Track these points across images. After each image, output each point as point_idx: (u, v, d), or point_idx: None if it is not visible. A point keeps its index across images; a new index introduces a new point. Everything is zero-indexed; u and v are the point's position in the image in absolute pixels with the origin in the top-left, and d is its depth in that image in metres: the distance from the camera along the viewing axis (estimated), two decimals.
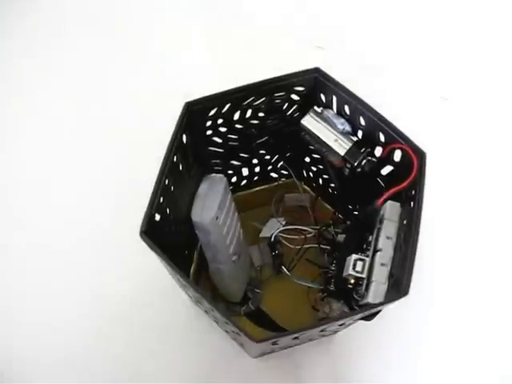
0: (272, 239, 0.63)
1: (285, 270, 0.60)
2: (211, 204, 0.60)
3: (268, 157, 0.66)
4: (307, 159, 0.67)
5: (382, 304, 0.48)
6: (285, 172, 0.70)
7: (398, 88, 0.85)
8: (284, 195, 0.72)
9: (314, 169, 0.68)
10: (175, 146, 0.52)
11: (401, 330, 0.70)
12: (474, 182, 0.81)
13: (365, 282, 0.54)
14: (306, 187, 0.72)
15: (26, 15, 0.92)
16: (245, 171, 0.68)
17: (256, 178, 0.70)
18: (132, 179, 0.73)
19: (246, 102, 0.56)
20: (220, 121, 0.57)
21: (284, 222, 0.67)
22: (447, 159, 0.76)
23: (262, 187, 0.72)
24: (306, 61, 0.79)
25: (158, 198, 0.50)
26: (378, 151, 0.56)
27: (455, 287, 0.73)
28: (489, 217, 0.78)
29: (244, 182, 0.69)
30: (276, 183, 0.71)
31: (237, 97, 0.55)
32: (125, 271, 0.73)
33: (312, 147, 0.60)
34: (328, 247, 0.65)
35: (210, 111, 0.55)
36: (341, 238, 0.63)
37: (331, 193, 0.68)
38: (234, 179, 0.68)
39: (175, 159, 0.52)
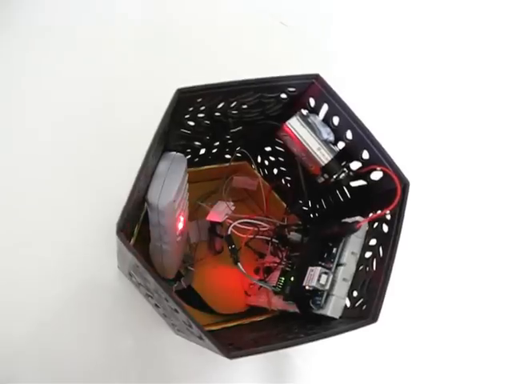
0: (228, 232, 0.61)
1: (241, 268, 0.59)
2: (170, 187, 0.57)
3: (231, 141, 0.63)
4: (268, 148, 0.66)
5: (352, 328, 0.49)
6: (238, 154, 0.68)
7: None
8: (233, 177, 0.70)
9: (272, 159, 0.67)
10: (160, 135, 0.48)
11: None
12: (447, 210, 0.84)
13: (325, 294, 0.54)
14: (257, 173, 0.70)
15: None
16: (202, 151, 0.64)
17: (210, 157, 0.67)
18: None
19: (235, 96, 0.52)
20: (202, 108, 0.53)
21: (233, 207, 0.65)
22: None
23: (214, 166, 0.69)
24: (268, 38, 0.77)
25: (137, 189, 0.46)
26: (355, 164, 0.56)
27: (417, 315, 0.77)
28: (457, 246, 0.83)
29: (197, 159, 0.66)
30: (228, 164, 0.68)
31: (229, 90, 0.51)
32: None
33: (280, 142, 0.58)
34: (276, 241, 0.64)
35: (197, 99, 0.51)
36: (293, 235, 0.63)
37: (284, 184, 0.68)
38: (188, 156, 0.64)
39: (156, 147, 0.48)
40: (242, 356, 0.45)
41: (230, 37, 0.80)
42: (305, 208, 0.67)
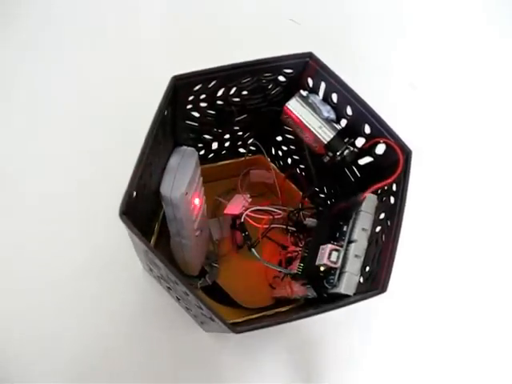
0: (242, 220, 0.61)
1: (255, 253, 0.59)
2: (182, 179, 0.58)
3: (240, 133, 0.65)
4: (279, 138, 0.66)
5: (360, 299, 0.49)
6: (253, 148, 0.69)
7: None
8: (250, 171, 0.71)
9: (285, 148, 0.67)
10: (159, 121, 0.49)
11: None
12: (451, 180, 0.83)
13: (337, 271, 0.54)
14: (272, 165, 0.71)
15: None
16: (214, 145, 0.66)
17: (224, 152, 0.68)
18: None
19: (233, 80, 0.53)
20: (202, 96, 0.54)
21: (250, 199, 0.66)
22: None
23: (229, 161, 0.70)
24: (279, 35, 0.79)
25: (139, 175, 0.48)
26: (360, 141, 0.56)
27: (428, 284, 0.76)
28: (463, 217, 0.81)
29: (211, 154, 0.67)
30: (243, 158, 0.69)
31: (225, 74, 0.52)
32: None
33: (289, 129, 0.59)
34: (294, 229, 0.65)
35: (195, 86, 0.52)
36: (309, 221, 0.63)
37: (299, 173, 0.68)
38: (202, 152, 0.66)
39: (157, 134, 0.50)
40: (246, 331, 0.46)
41: (242, 34, 0.82)
42: (321, 195, 0.67)
